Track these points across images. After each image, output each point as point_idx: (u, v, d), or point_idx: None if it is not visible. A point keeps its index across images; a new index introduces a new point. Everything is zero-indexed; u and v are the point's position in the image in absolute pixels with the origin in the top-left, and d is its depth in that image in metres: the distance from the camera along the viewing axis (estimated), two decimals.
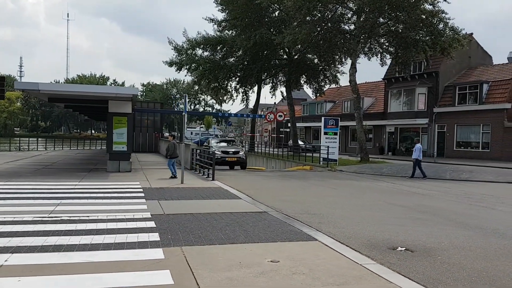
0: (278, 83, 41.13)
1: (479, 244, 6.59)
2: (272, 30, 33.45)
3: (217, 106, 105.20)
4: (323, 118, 23.93)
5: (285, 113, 34.54)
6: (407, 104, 37.92)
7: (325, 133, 23.52)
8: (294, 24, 29.59)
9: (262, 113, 49.25)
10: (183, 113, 14.44)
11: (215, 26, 36.23)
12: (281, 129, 54.42)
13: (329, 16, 27.55)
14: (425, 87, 36.42)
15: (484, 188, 14.93)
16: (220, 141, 24.51)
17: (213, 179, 14.99)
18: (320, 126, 47.79)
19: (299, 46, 28.70)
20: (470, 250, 6.18)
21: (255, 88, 40.22)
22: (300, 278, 4.77)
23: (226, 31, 36.68)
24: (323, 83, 37.84)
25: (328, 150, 22.03)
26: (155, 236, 6.65)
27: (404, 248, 6.22)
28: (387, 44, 28.87)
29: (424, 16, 24.71)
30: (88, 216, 8.04)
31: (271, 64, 37.20)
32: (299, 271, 5.03)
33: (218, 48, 37.85)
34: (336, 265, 5.30)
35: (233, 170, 21.35)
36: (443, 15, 24.58)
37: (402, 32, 25.82)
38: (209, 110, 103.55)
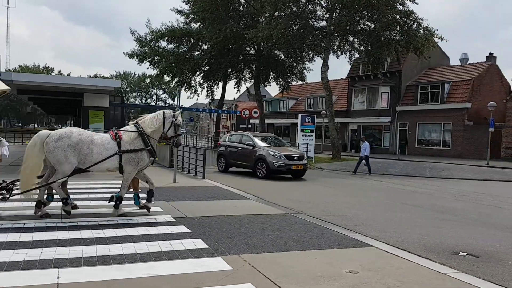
0: (243, 78, 40.71)
1: None
2: (241, 24, 32.87)
3: (169, 101, 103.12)
4: (300, 115, 23.79)
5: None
6: (371, 103, 38.78)
7: (302, 130, 23.37)
8: (267, 19, 29.28)
9: (225, 109, 48.52)
10: (177, 109, 13.61)
11: (182, 17, 35.14)
12: (241, 125, 53.99)
13: (301, 13, 27.38)
14: (388, 86, 37.40)
15: (471, 186, 15.35)
16: (262, 139, 16.63)
17: (203, 178, 14.31)
18: (283, 123, 48.21)
19: (274, 41, 28.33)
20: None
21: (221, 84, 39.54)
22: None
23: (193, 24, 35.64)
24: (289, 80, 37.84)
25: (307, 147, 21.89)
26: (200, 243, 6.02)
27: (466, 253, 6.02)
28: (357, 42, 29.26)
29: (398, 16, 25.21)
30: (106, 221, 7.21)
31: (239, 59, 36.64)
32: (391, 284, 4.64)
33: (184, 40, 36.78)
34: (421, 275, 4.96)
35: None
36: (416, 15, 25.23)
37: (376, 31, 26.18)
38: (162, 105, 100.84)
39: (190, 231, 6.75)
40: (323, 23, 28.89)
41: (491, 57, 35.32)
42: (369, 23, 27.30)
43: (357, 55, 30.99)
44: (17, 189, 7.19)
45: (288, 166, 15.01)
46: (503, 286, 4.68)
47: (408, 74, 37.24)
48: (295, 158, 15.22)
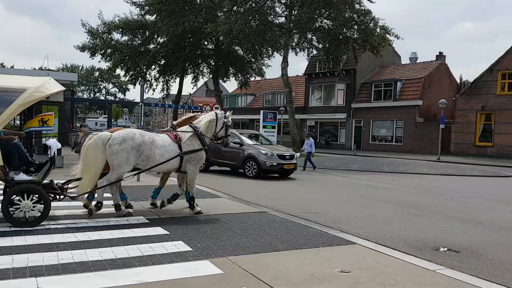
0: (201, 73, 40.16)
1: (503, 240, 6.79)
2: (199, 17, 32.30)
3: (120, 95, 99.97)
4: (262, 112, 23.75)
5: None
6: (327, 99, 39.49)
7: (264, 127, 23.35)
8: (226, 14, 28.98)
9: (185, 105, 47.62)
10: (139, 104, 13.12)
11: (137, 9, 34.04)
12: None
13: (259, 8, 27.28)
14: (343, 84, 38.21)
15: (429, 180, 15.93)
16: (249, 137, 15.98)
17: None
18: (242, 119, 48.04)
19: (233, 36, 28.10)
20: (506, 248, 6.32)
21: (177, 78, 38.76)
22: None
23: (148, 16, 34.60)
24: (249, 76, 37.75)
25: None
26: (182, 245, 5.75)
27: (446, 248, 6.16)
28: (316, 40, 29.59)
29: (356, 15, 25.72)
30: (75, 223, 6.75)
31: (197, 53, 36.05)
32: (386, 283, 4.62)
33: (139, 33, 35.69)
34: (412, 272, 4.98)
35: None
36: (373, 14, 25.86)
37: (334, 29, 26.57)
38: (112, 99, 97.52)
39: (168, 233, 6.46)
40: (283, 19, 29.01)
41: (440, 56, 36.96)
42: (328, 21, 27.68)
43: (315, 53, 31.42)
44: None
45: (280, 166, 14.36)
46: (491, 281, 4.78)
47: (362, 72, 38.22)
48: (287, 157, 14.67)
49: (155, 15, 33.36)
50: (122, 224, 6.93)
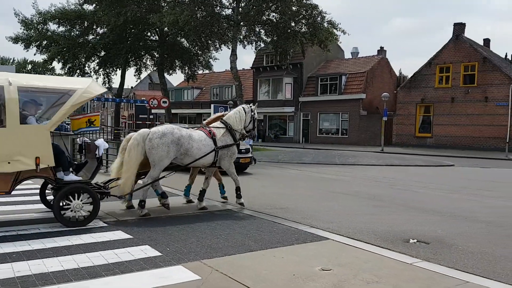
0: (144, 66, 38.88)
1: (469, 230, 6.94)
2: (142, 7, 31.10)
3: None
4: (212, 105, 23.32)
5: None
6: (275, 93, 39.68)
7: None
8: (170, 4, 28.10)
9: (130, 99, 45.90)
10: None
11: None
12: (140, 116, 51.65)
13: None
14: (291, 77, 38.57)
15: (379, 171, 16.38)
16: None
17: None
18: (188, 113, 47.13)
19: (180, 28, 27.29)
20: (471, 237, 6.47)
21: (119, 71, 37.21)
22: None
23: (87, 5, 32.77)
24: (195, 69, 37.04)
25: None
26: (150, 250, 5.36)
27: (416, 240, 6.21)
28: (264, 33, 29.52)
29: (303, 9, 25.89)
30: (26, 230, 6.11)
31: (140, 45, 34.75)
32: (369, 279, 4.53)
33: (77, 23, 33.76)
34: (391, 267, 4.94)
35: None
36: (320, 8, 26.16)
37: (282, 23, 26.60)
38: None
39: (131, 236, 6.02)
40: (230, 11, 28.62)
41: (381, 51, 38.31)
42: (276, 14, 27.68)
43: (263, 46, 31.37)
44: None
45: (236, 160, 13.80)
46: (469, 273, 4.82)
47: (309, 66, 38.78)
48: (242, 151, 13.90)
49: (94, 5, 31.70)
50: (78, 229, 6.38)
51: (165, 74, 37.32)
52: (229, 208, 8.32)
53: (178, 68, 36.99)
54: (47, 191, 7.50)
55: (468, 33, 30.95)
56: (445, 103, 30.67)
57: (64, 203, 6.41)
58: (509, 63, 35.42)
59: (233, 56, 28.44)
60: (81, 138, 8.08)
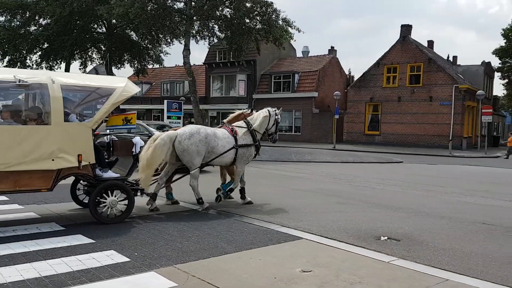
0: (90, 59, 37.22)
1: (434, 226, 7.05)
2: None
3: None
4: (166, 101, 22.60)
5: None
6: (228, 90, 39.38)
7: (169, 117, 22.29)
8: None
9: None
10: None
11: None
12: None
13: None
14: (244, 74, 38.46)
15: (336, 168, 16.60)
16: (158, 129, 15.18)
17: None
18: (138, 109, 45.68)
19: (130, 20, 26.29)
20: (437, 233, 6.58)
21: (63, 64, 35.40)
22: None
23: None
24: (145, 63, 35.97)
25: None
26: (116, 256, 4.99)
27: (387, 237, 6.24)
28: (217, 28, 29.16)
29: (258, 6, 25.78)
30: None
31: (86, 37, 33.18)
32: (351, 280, 4.44)
33: (18, 13, 31.63)
34: (370, 266, 4.89)
35: None
36: (275, 6, 26.17)
37: (237, 19, 26.35)
38: None
39: (94, 241, 5.59)
40: (182, 5, 27.95)
41: (332, 51, 39.10)
42: (230, 10, 27.39)
43: (216, 41, 30.97)
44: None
45: None
46: (446, 270, 4.85)
47: (262, 64, 38.83)
48: None
49: None
50: (34, 233, 5.88)
51: (113, 68, 35.94)
52: (193, 208, 8.02)
53: (126, 62, 35.77)
54: (77, 188, 7.60)
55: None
56: (392, 102, 31.81)
57: (99, 200, 6.48)
58: (451, 65, 37.34)
59: (186, 51, 27.84)
60: (108, 136, 7.80)
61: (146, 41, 33.32)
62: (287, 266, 4.82)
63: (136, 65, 35.44)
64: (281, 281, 4.35)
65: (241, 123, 8.31)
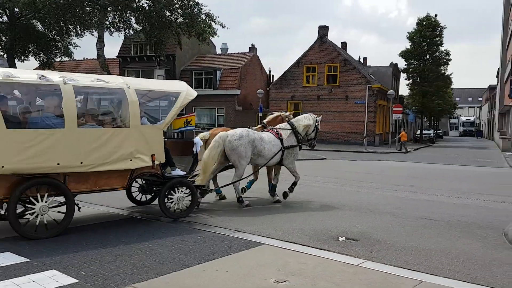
0: None
1: (383, 224, 7.10)
2: None
3: None
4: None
5: None
6: None
7: None
8: None
9: None
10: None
11: None
12: None
13: None
14: (163, 70, 37.11)
15: None
16: None
17: None
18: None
19: (38, 9, 23.94)
20: (389, 231, 6.60)
21: None
22: None
23: None
24: (53, 55, 33.14)
25: None
26: (61, 277, 4.28)
27: (344, 238, 6.13)
28: (134, 20, 27.78)
29: None
30: None
31: None
32: (329, 287, 4.21)
33: None
34: (343, 271, 4.68)
35: None
36: (197, 0, 25.49)
37: (156, 11, 25.24)
38: None
39: (28, 259, 4.77)
40: None
41: (253, 48, 39.27)
42: (149, 1, 26.21)
43: (133, 34, 29.50)
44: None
45: None
46: (417, 271, 4.77)
47: (182, 59, 37.78)
48: None
49: None
50: None
51: (16, 61, 32.54)
52: (128, 215, 7.31)
53: (31, 54, 32.72)
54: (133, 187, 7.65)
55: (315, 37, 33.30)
56: (312, 100, 32.79)
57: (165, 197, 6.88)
58: (362, 65, 39.48)
59: (100, 43, 26.18)
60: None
61: (53, 32, 30.79)
62: (259, 277, 4.44)
63: (42, 57, 32.52)
64: None
65: (285, 125, 8.81)
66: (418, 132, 47.21)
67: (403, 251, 5.53)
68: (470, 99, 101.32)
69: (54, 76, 5.87)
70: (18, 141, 5.30)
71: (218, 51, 42.90)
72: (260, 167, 8.94)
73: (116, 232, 6.10)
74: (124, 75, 38.46)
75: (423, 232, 6.57)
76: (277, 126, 8.82)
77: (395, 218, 7.59)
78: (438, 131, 62.17)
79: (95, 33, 27.63)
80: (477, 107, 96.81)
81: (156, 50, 27.63)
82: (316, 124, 9.13)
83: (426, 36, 39.14)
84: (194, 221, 6.91)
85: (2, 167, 5.18)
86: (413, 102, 42.24)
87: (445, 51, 40.90)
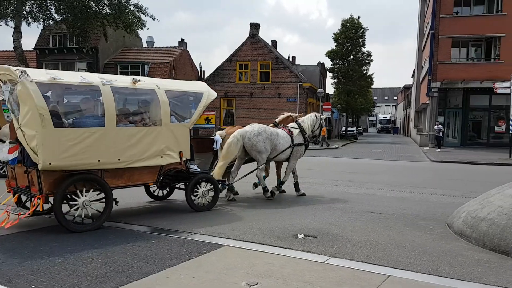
0: None
1: (336, 219, 7.17)
2: None
3: None
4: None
5: None
6: None
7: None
8: None
9: None
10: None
11: None
12: None
13: None
14: (85, 63, 35.12)
15: None
16: None
17: None
18: None
19: None
20: (343, 226, 6.66)
21: None
22: None
23: None
24: None
25: None
26: None
27: (303, 234, 6.08)
28: (54, 10, 25.86)
29: None
30: None
31: None
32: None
33: None
34: (311, 270, 4.59)
35: None
36: None
37: (79, 1, 23.67)
38: None
39: None
40: None
41: (182, 43, 38.44)
42: None
43: (52, 24, 27.43)
44: None
45: None
46: (382, 266, 4.82)
47: (106, 52, 35.97)
48: None
49: None
50: None
51: None
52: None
53: None
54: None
55: (243, 35, 33.39)
56: (245, 97, 32.84)
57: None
58: (292, 64, 40.34)
59: (17, 34, 24.06)
60: None
61: None
62: (229, 281, 4.21)
63: None
64: None
65: (293, 124, 9.30)
66: (343, 129, 49.34)
67: (361, 246, 5.59)
68: (386, 97, 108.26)
69: (94, 78, 6.22)
70: (63, 139, 5.65)
71: (144, 45, 41.44)
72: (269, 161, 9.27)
73: (60, 239, 5.52)
74: (42, 68, 35.77)
75: (373, 226, 6.72)
76: (288, 125, 9.34)
77: (344, 213, 7.71)
78: (359, 128, 65.58)
79: (11, 23, 25.33)
80: (393, 105, 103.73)
81: (80, 42, 25.90)
82: (321, 121, 9.61)
83: (350, 37, 40.92)
84: (142, 224, 6.49)
85: (50, 163, 5.50)
86: (338, 100, 44.01)
87: (367, 52, 43.14)
